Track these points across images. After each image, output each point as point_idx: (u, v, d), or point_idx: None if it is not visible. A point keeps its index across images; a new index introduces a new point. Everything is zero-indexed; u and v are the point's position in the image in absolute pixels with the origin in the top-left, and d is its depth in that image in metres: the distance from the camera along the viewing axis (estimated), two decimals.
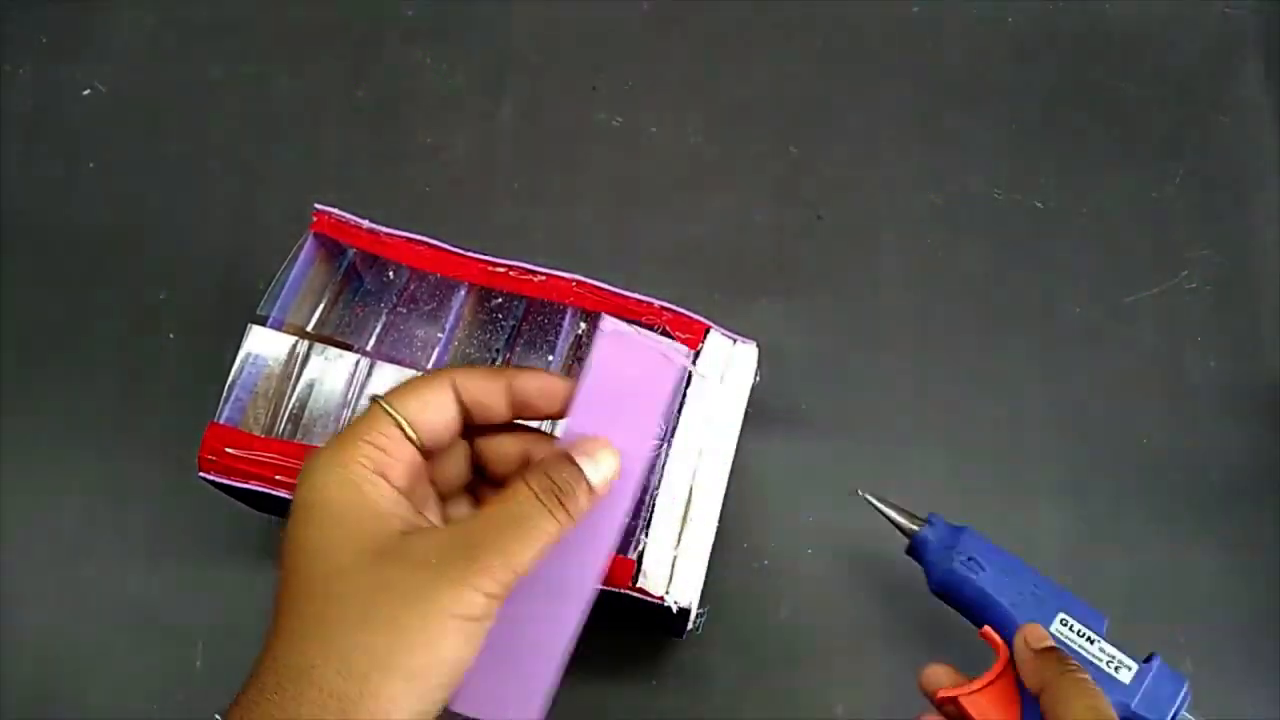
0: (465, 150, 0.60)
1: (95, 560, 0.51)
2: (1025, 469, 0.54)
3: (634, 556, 0.41)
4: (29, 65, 0.61)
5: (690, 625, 0.44)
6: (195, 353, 0.54)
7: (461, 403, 0.34)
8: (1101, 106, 0.62)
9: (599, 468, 0.33)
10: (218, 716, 0.33)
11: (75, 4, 0.62)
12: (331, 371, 0.47)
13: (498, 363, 0.48)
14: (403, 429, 0.32)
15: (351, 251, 0.48)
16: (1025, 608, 0.41)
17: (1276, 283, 0.58)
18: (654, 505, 0.42)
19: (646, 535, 0.41)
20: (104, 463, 0.53)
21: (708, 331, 0.45)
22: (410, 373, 0.46)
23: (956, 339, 0.56)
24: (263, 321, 0.45)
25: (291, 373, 0.46)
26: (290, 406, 0.46)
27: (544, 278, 0.46)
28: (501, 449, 0.36)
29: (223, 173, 0.59)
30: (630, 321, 0.36)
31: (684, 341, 0.44)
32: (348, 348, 0.47)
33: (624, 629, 0.49)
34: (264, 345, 0.45)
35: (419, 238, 0.46)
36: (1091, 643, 0.41)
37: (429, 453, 0.34)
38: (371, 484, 0.31)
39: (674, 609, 0.42)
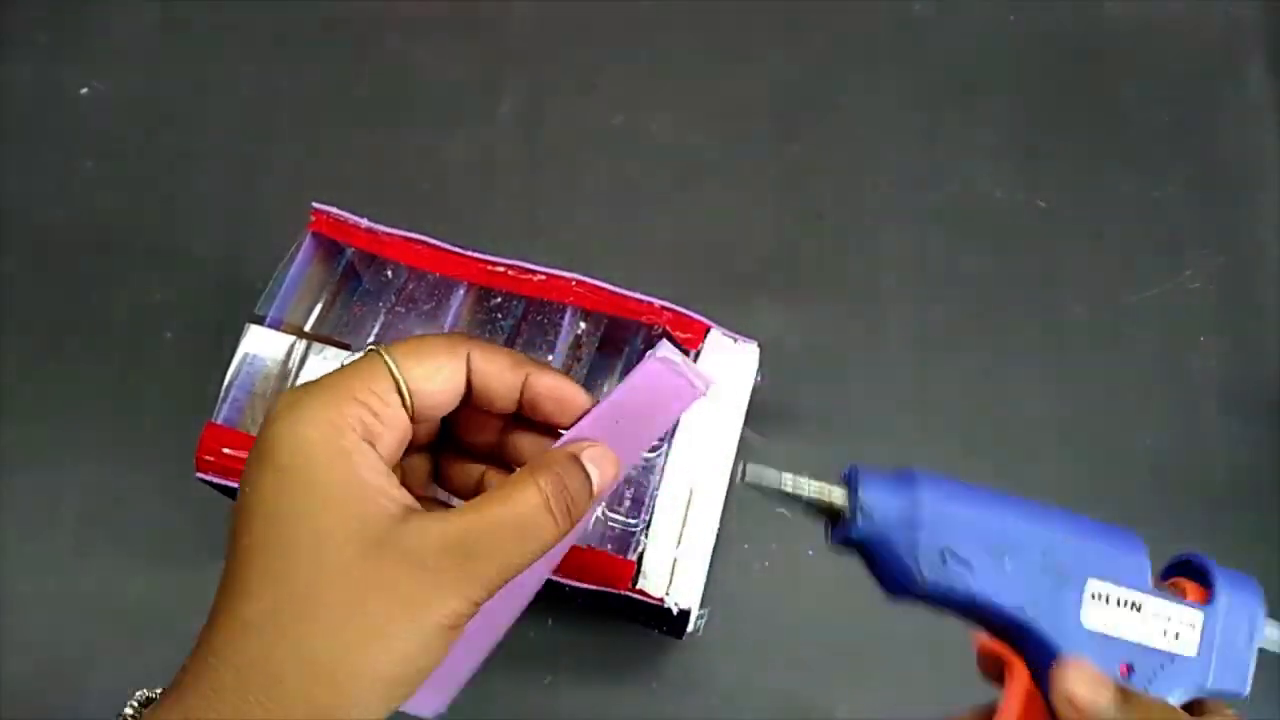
0: (465, 150, 0.60)
1: (95, 561, 0.51)
2: (1025, 469, 0.54)
3: (634, 558, 0.41)
4: (29, 65, 0.61)
5: (691, 626, 0.43)
6: (194, 352, 0.54)
7: (470, 381, 0.31)
8: (1102, 106, 0.62)
9: (603, 476, 0.30)
10: (139, 696, 0.31)
11: (75, 4, 0.62)
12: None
13: None
14: (402, 396, 0.29)
15: (350, 251, 0.48)
16: (1045, 605, 0.29)
17: (1277, 282, 0.58)
18: (654, 505, 0.42)
19: (646, 536, 0.41)
20: (103, 463, 0.53)
21: (708, 331, 0.45)
22: None
23: (956, 339, 0.56)
24: (261, 321, 0.45)
25: (289, 372, 0.46)
26: None
27: (544, 277, 0.45)
28: (481, 428, 0.33)
29: (222, 173, 0.59)
30: (646, 331, 0.35)
31: (684, 341, 0.44)
32: (346, 347, 0.47)
33: (624, 629, 0.49)
34: (262, 345, 0.45)
35: (417, 237, 0.46)
36: (1138, 610, 0.30)
37: (415, 421, 0.30)
38: (362, 455, 0.27)
39: (675, 610, 0.42)
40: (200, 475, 0.43)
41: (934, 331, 0.56)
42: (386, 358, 0.29)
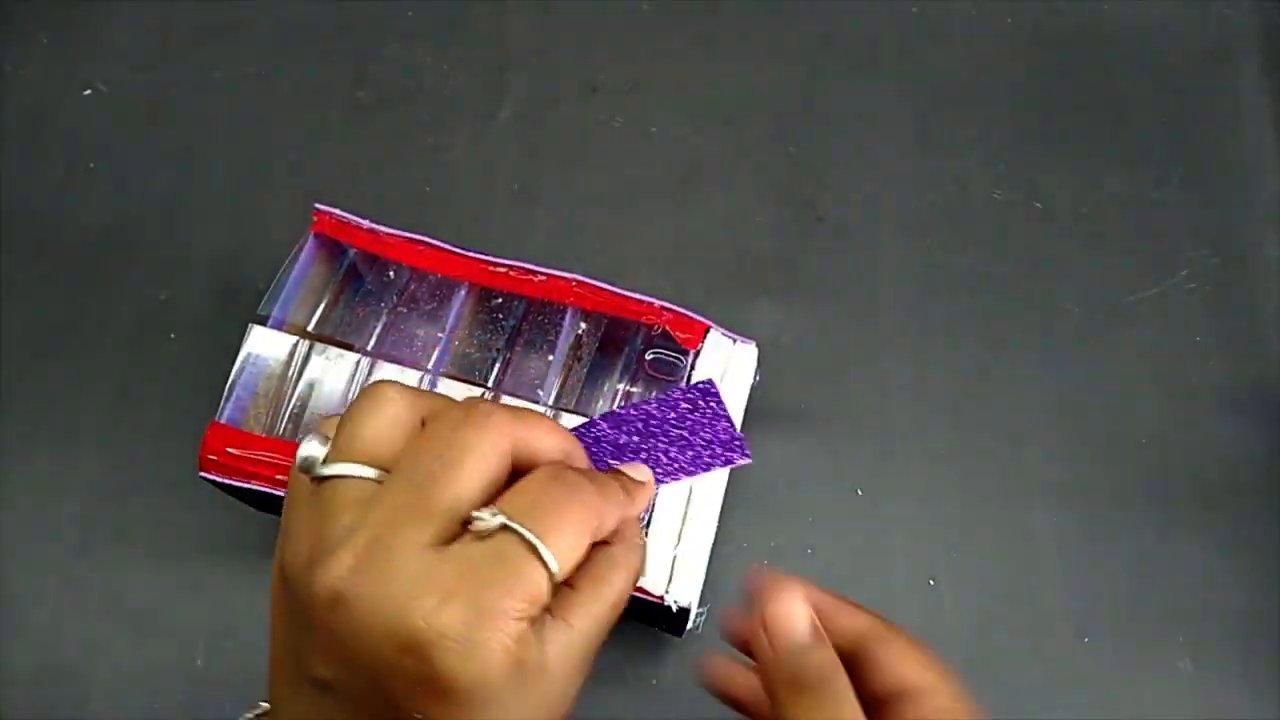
0: (465, 150, 0.60)
1: (95, 560, 0.51)
2: (1025, 469, 0.54)
3: None
4: (30, 65, 0.61)
5: (690, 624, 0.44)
6: (196, 353, 0.54)
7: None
8: (1101, 106, 0.62)
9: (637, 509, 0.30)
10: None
11: (76, 4, 0.62)
12: (332, 371, 0.47)
13: (496, 363, 0.48)
14: (552, 580, 0.25)
15: (352, 251, 0.48)
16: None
17: (1276, 283, 0.58)
18: (654, 505, 0.42)
19: (646, 535, 0.41)
20: (104, 463, 0.53)
21: (708, 331, 0.45)
22: (412, 374, 0.46)
23: (956, 339, 0.56)
24: (264, 321, 0.45)
25: (292, 373, 0.46)
26: (291, 406, 0.46)
27: (544, 278, 0.46)
28: None
29: (223, 173, 0.59)
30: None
31: (684, 341, 0.44)
32: (348, 347, 0.47)
33: (624, 628, 0.49)
34: (265, 345, 0.45)
35: (419, 238, 0.46)
36: None
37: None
38: (530, 647, 0.25)
39: (674, 608, 0.42)
40: (204, 474, 0.43)
41: (932, 332, 0.57)
42: (541, 550, 0.25)
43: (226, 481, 0.43)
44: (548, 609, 0.26)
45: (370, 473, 0.26)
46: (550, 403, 0.45)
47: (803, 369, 0.55)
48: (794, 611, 0.29)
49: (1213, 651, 0.51)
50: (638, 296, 0.45)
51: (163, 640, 0.51)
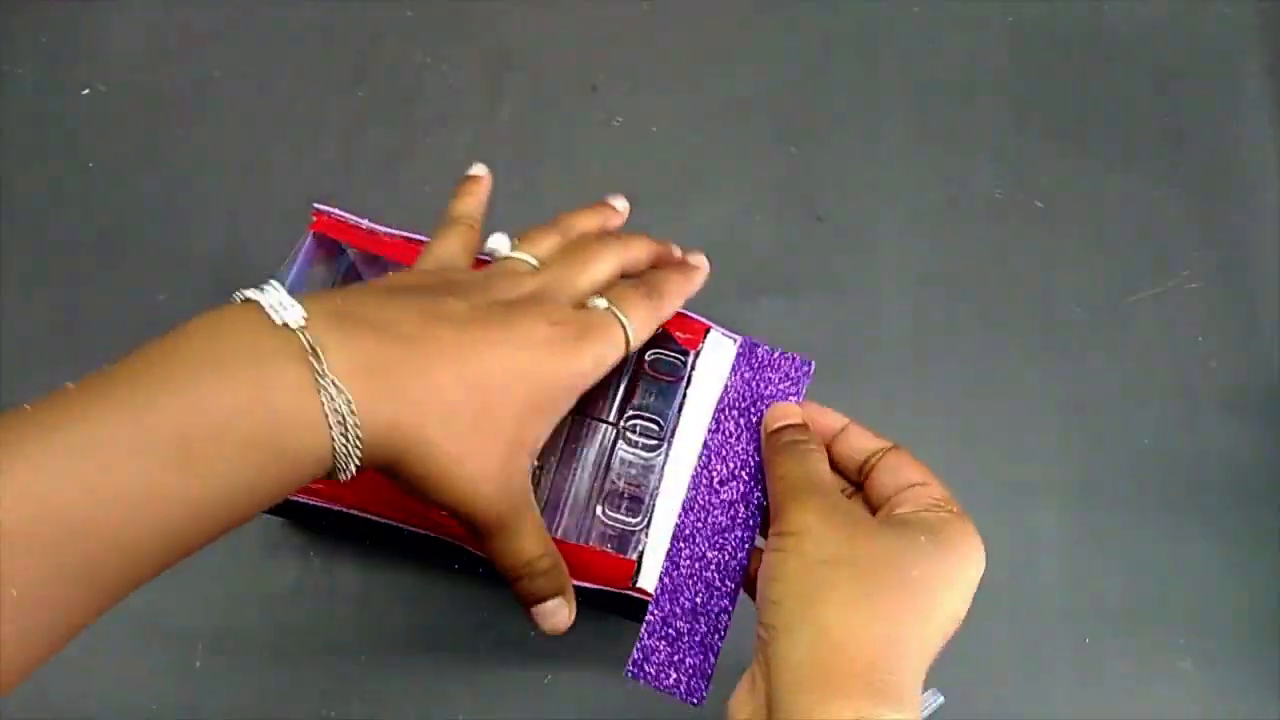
0: (465, 150, 0.60)
1: None
2: (1025, 469, 0.54)
3: (634, 557, 0.41)
4: (30, 65, 0.61)
5: None
6: None
7: None
8: (1101, 106, 0.62)
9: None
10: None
11: (76, 4, 0.62)
12: None
13: None
14: (628, 340, 0.38)
15: (351, 252, 0.48)
16: None
17: (1276, 283, 0.58)
18: (654, 505, 0.42)
19: (646, 535, 0.41)
20: None
21: (708, 331, 0.45)
22: None
23: (956, 339, 0.56)
24: None
25: None
26: None
27: None
28: None
29: (223, 173, 0.59)
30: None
31: (684, 342, 0.44)
32: None
33: (624, 627, 0.49)
34: None
35: (418, 237, 0.46)
36: None
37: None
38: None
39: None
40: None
41: (932, 331, 0.57)
42: (625, 323, 0.37)
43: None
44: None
45: (535, 261, 0.39)
46: None
47: None
48: (790, 409, 0.40)
49: (1213, 651, 0.51)
50: None
51: (163, 640, 0.51)
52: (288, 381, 0.29)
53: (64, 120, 0.60)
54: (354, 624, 0.50)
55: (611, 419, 0.43)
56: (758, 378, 0.42)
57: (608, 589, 0.41)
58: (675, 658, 0.39)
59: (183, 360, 0.30)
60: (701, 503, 0.40)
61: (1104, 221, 0.59)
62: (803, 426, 0.39)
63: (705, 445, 0.41)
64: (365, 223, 0.46)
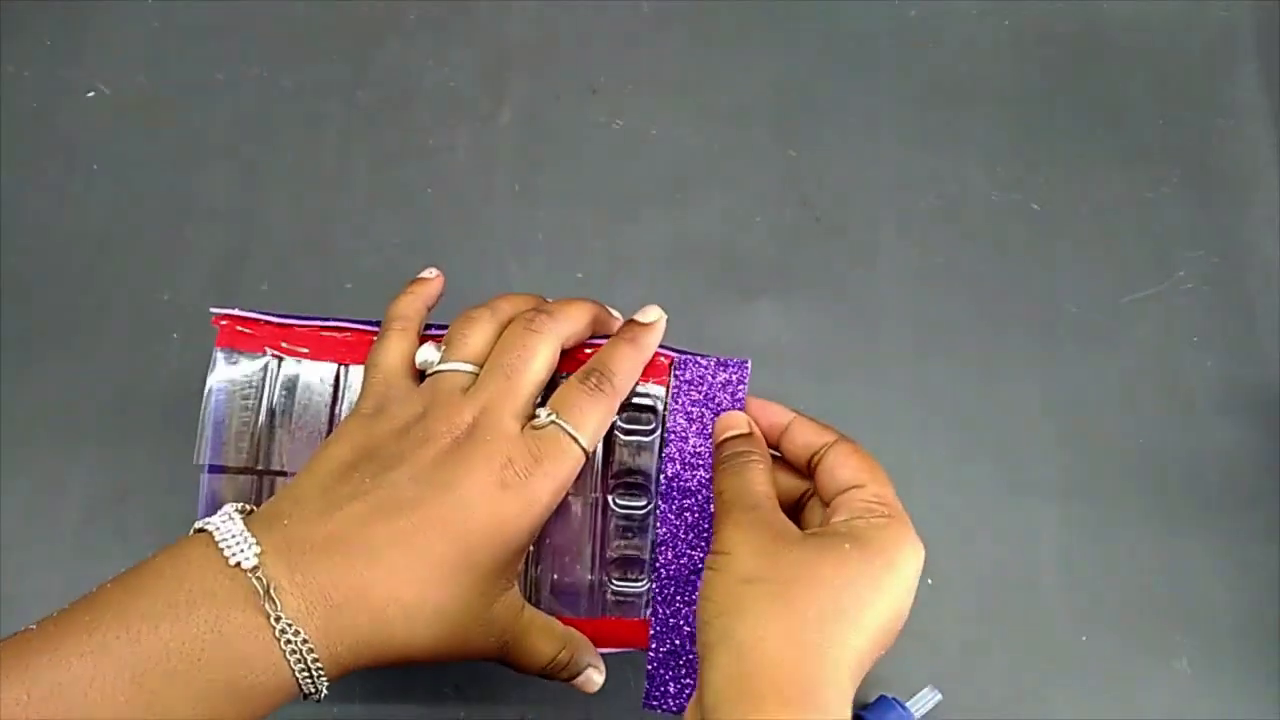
0: (465, 150, 0.60)
1: (95, 560, 0.51)
2: (1025, 469, 0.54)
3: (648, 616, 0.41)
4: (31, 67, 0.61)
5: None
6: (196, 353, 0.54)
7: None
8: (1101, 106, 0.62)
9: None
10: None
11: (77, 5, 0.62)
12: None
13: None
14: (585, 452, 0.38)
15: (269, 354, 0.42)
16: None
17: (1274, 283, 0.58)
18: (654, 559, 0.42)
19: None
20: (104, 462, 0.53)
21: (671, 364, 0.41)
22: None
23: (956, 339, 0.57)
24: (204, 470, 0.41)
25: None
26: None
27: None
28: None
29: (223, 173, 0.59)
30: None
31: (659, 382, 0.41)
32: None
33: None
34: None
35: (332, 323, 0.42)
36: None
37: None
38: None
39: None
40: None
41: (931, 332, 0.57)
42: (576, 439, 0.37)
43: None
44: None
45: (472, 368, 0.38)
46: None
47: (802, 369, 0.55)
48: (735, 418, 0.40)
49: (1212, 651, 0.51)
50: (592, 342, 0.42)
51: None
52: (245, 627, 0.30)
53: (65, 121, 0.60)
54: None
55: (598, 491, 0.41)
56: (700, 390, 0.41)
57: (629, 649, 0.41)
58: (685, 681, 0.39)
59: (138, 606, 0.31)
60: (682, 539, 0.40)
61: (1103, 221, 0.59)
62: (745, 436, 0.39)
63: (664, 482, 0.40)
64: (274, 318, 0.42)
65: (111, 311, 0.56)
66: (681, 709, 0.39)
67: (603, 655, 0.41)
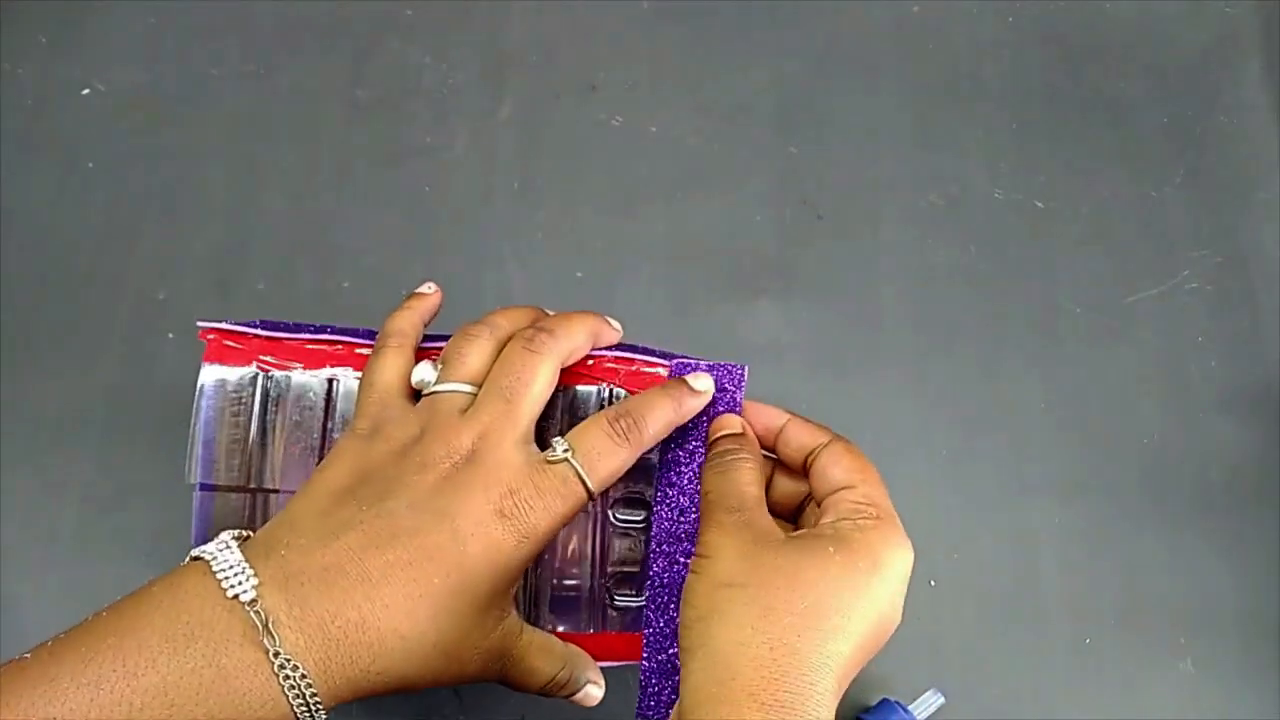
0: (465, 150, 0.60)
1: (95, 560, 0.51)
2: (1025, 469, 0.54)
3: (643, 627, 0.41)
4: (29, 65, 0.61)
5: None
6: (196, 353, 0.54)
7: None
8: (1101, 106, 0.62)
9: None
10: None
11: (74, 3, 0.62)
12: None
13: None
14: (591, 494, 0.36)
15: (255, 365, 0.42)
16: None
17: (1276, 283, 0.58)
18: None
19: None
20: (103, 463, 0.53)
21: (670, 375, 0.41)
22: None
23: (956, 339, 0.56)
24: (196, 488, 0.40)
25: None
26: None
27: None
28: None
29: (223, 173, 0.59)
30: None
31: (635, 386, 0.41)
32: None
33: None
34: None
35: (320, 338, 0.41)
36: None
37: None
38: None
39: None
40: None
41: (932, 331, 0.57)
42: (585, 478, 0.36)
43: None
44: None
45: (470, 389, 0.37)
46: None
47: (803, 369, 0.55)
48: (729, 420, 0.39)
49: (1213, 652, 0.51)
50: (592, 354, 0.41)
51: None
52: (244, 662, 0.30)
53: (64, 120, 0.60)
54: None
55: (597, 504, 0.41)
56: None
57: (631, 663, 0.41)
58: (679, 692, 0.39)
59: (136, 637, 0.30)
60: (676, 548, 0.39)
61: (1104, 221, 0.59)
62: (736, 436, 0.38)
63: (659, 490, 0.40)
64: (262, 331, 0.41)
65: (108, 310, 0.55)
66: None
67: (602, 668, 0.41)
